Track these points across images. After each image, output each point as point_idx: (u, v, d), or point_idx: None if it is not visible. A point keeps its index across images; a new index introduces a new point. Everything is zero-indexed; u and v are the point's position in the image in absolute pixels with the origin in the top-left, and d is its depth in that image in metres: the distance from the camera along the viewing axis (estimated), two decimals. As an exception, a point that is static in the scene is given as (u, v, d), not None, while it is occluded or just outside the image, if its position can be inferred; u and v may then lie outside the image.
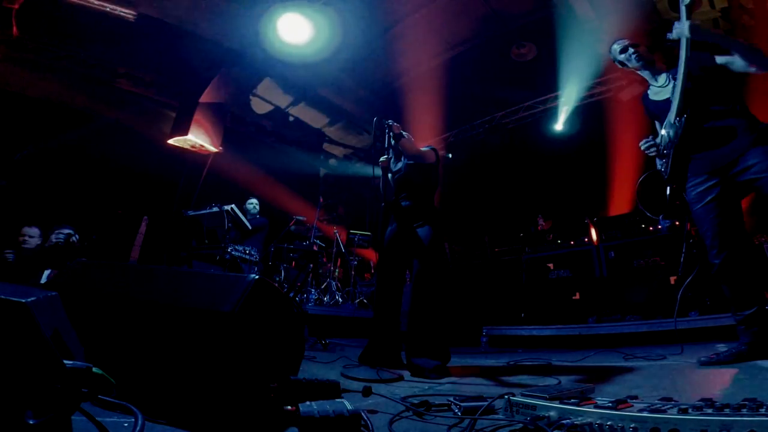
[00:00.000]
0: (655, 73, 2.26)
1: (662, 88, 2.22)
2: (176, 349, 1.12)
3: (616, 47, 2.33)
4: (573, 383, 1.78)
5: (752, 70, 1.93)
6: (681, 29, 1.97)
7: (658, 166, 2.29)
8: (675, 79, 2.07)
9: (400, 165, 2.83)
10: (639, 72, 2.31)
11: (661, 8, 4.87)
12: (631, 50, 2.26)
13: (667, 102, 2.13)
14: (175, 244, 4.84)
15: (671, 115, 2.06)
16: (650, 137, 2.23)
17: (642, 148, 2.24)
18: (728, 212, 2.00)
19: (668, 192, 2.20)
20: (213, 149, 6.20)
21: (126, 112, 6.46)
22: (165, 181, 6.43)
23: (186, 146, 6.09)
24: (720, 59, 1.99)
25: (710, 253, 2.02)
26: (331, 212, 8.68)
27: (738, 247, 1.97)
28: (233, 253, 4.25)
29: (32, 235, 3.81)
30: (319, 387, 1.18)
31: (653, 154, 2.22)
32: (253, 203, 5.54)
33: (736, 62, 1.95)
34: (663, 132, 2.14)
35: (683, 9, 1.96)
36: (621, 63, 2.34)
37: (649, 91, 2.33)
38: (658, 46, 3.96)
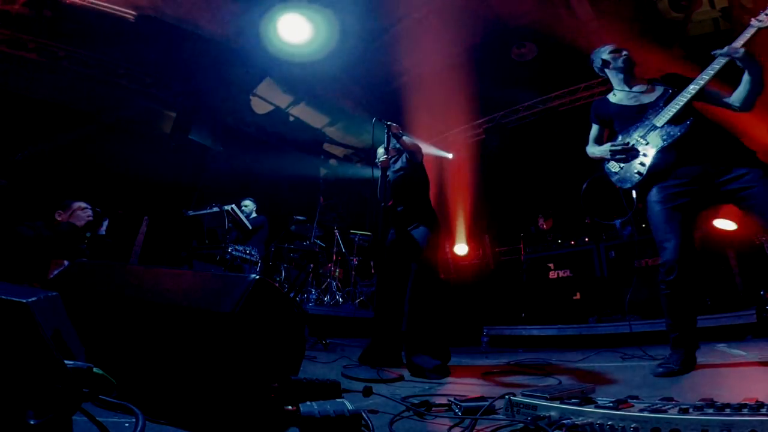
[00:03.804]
0: (630, 79, 2.26)
1: (638, 94, 2.20)
2: (177, 350, 1.12)
3: (604, 49, 2.33)
4: (574, 383, 1.77)
5: (734, 107, 1.96)
6: (739, 54, 1.93)
7: (614, 170, 2.22)
8: (664, 86, 2.11)
9: (398, 166, 2.83)
10: (612, 76, 2.32)
11: (662, 8, 4.86)
12: (624, 52, 2.27)
13: (641, 108, 2.14)
14: (175, 244, 4.84)
15: (658, 120, 2.05)
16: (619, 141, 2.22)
17: (616, 150, 2.17)
18: (694, 220, 1.99)
19: (634, 195, 2.16)
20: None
21: (126, 112, 6.46)
22: (165, 181, 6.42)
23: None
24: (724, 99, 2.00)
25: (671, 258, 1.93)
26: (331, 212, 8.68)
27: (694, 257, 1.94)
28: (234, 253, 4.26)
29: None
30: (320, 387, 1.18)
31: (620, 158, 2.18)
32: (247, 205, 5.47)
33: (732, 104, 1.96)
34: (636, 136, 2.13)
35: (750, 33, 1.98)
36: (601, 66, 2.34)
37: (610, 96, 2.34)
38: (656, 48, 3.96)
